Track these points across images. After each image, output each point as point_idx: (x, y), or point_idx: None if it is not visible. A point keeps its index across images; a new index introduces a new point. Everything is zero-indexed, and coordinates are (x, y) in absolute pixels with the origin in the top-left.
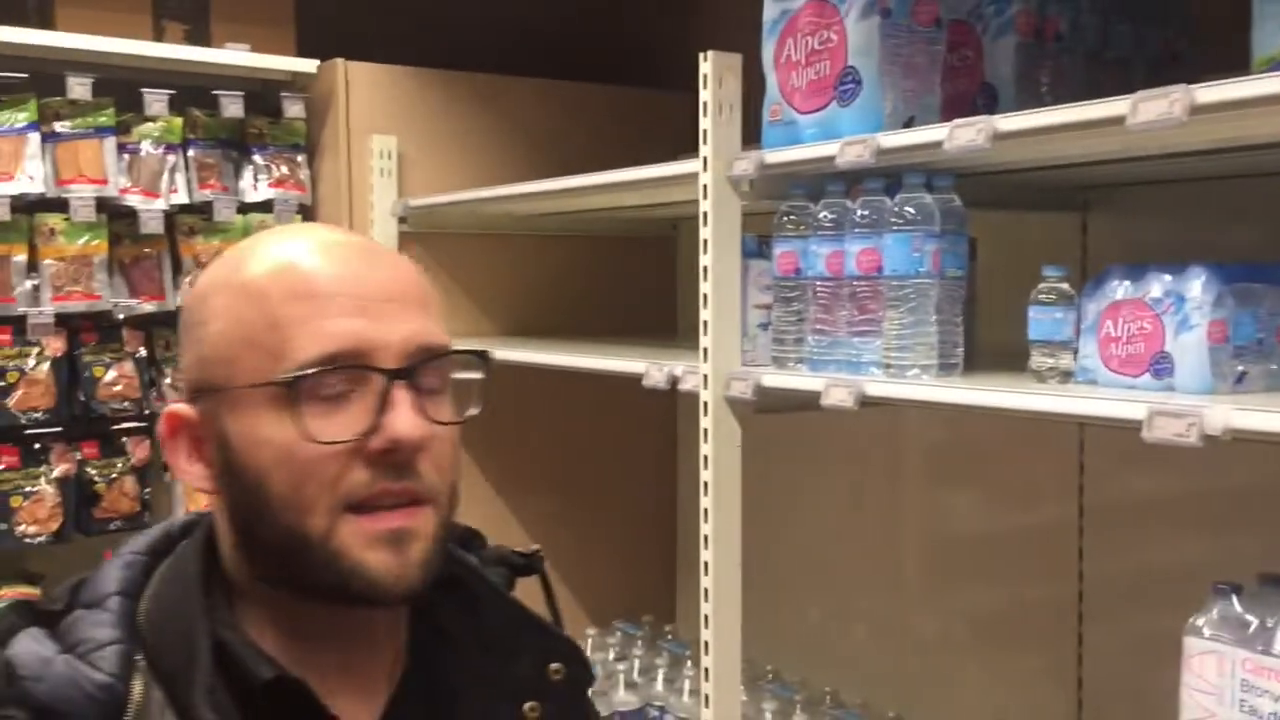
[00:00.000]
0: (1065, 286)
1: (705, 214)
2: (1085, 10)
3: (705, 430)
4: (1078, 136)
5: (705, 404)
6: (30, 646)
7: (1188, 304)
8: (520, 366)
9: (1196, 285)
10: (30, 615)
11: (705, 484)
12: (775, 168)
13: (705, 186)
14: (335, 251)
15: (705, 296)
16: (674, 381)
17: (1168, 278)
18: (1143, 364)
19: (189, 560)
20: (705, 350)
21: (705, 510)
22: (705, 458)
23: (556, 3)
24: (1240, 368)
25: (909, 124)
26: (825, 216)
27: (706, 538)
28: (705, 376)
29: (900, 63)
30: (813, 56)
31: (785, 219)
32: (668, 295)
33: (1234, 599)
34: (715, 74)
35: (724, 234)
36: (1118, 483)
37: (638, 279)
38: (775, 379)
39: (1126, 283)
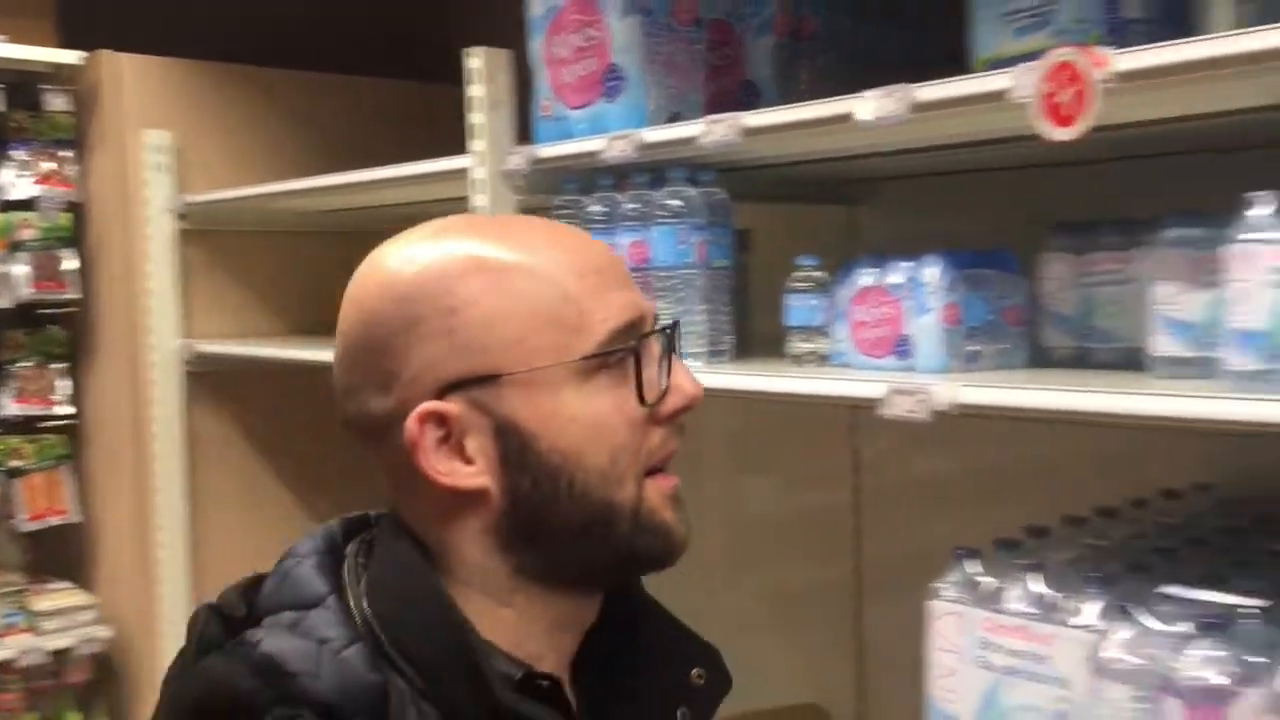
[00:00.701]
0: (819, 275)
1: (478, 209)
2: (843, 12)
3: None
4: (822, 132)
5: None
6: (292, 642)
7: (924, 289)
8: (311, 366)
9: (931, 272)
10: (222, 620)
11: None
12: (547, 162)
13: (476, 181)
14: (565, 230)
15: None
16: None
17: (907, 265)
18: (888, 346)
19: (411, 562)
20: None
21: None
22: None
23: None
24: (974, 347)
25: (674, 119)
26: (596, 210)
27: None
28: None
29: (662, 60)
30: (579, 53)
31: (558, 213)
32: None
33: (972, 563)
34: (486, 70)
35: None
36: (890, 463)
37: None
38: None
39: (872, 271)
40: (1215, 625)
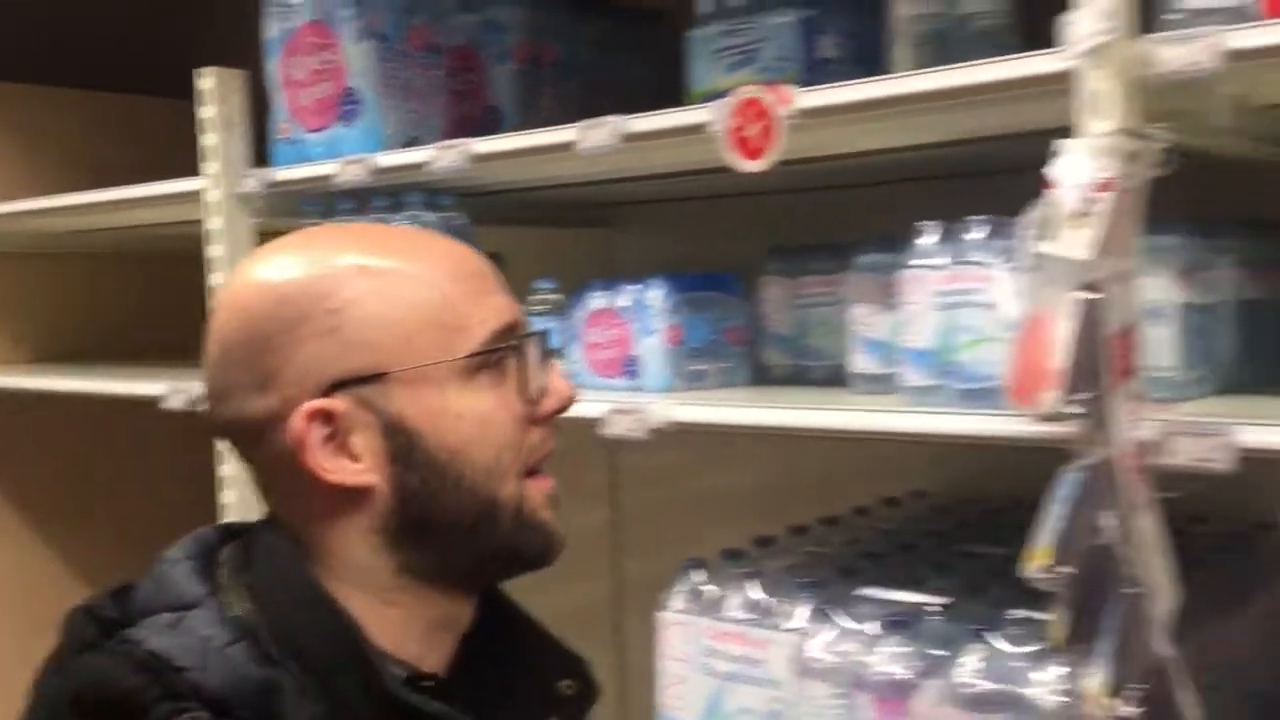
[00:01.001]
0: (555, 298)
1: (212, 231)
2: (586, 43)
3: (221, 452)
4: (547, 159)
5: None
6: (176, 640)
7: (649, 311)
8: (40, 395)
9: (655, 295)
10: (98, 622)
11: (222, 507)
12: (284, 185)
13: (210, 204)
14: (442, 239)
15: None
16: (194, 403)
17: (635, 288)
18: (618, 367)
19: (292, 562)
20: None
21: None
22: (222, 479)
23: (85, 11)
24: (698, 367)
25: (412, 144)
26: None
27: None
28: None
29: (399, 85)
30: (315, 76)
31: None
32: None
33: (698, 574)
34: (219, 90)
35: (236, 251)
36: (649, 480)
37: (177, 298)
38: None
39: (603, 294)
40: (901, 623)
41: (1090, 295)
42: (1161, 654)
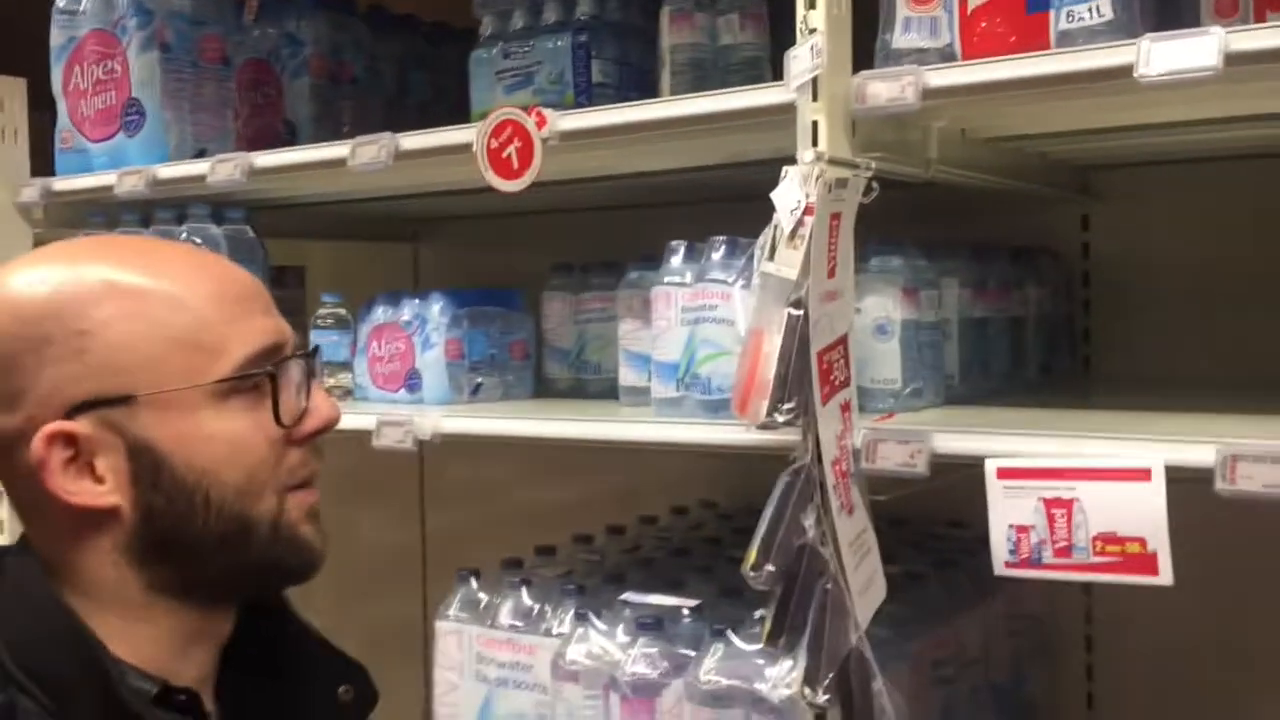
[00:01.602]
0: (341, 312)
1: None
2: (383, 59)
3: None
4: (322, 174)
5: None
6: None
7: (429, 325)
8: None
9: (435, 309)
10: None
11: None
12: (64, 196)
13: None
14: (208, 257)
15: None
16: None
17: (416, 302)
18: (399, 380)
19: (35, 581)
20: None
21: None
22: None
23: None
24: (478, 380)
25: (201, 155)
26: None
27: None
28: None
29: (187, 96)
30: (99, 85)
31: None
32: None
33: (472, 582)
34: None
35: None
36: (457, 497)
37: None
38: None
39: (386, 308)
40: (652, 625)
41: (796, 311)
42: (855, 647)
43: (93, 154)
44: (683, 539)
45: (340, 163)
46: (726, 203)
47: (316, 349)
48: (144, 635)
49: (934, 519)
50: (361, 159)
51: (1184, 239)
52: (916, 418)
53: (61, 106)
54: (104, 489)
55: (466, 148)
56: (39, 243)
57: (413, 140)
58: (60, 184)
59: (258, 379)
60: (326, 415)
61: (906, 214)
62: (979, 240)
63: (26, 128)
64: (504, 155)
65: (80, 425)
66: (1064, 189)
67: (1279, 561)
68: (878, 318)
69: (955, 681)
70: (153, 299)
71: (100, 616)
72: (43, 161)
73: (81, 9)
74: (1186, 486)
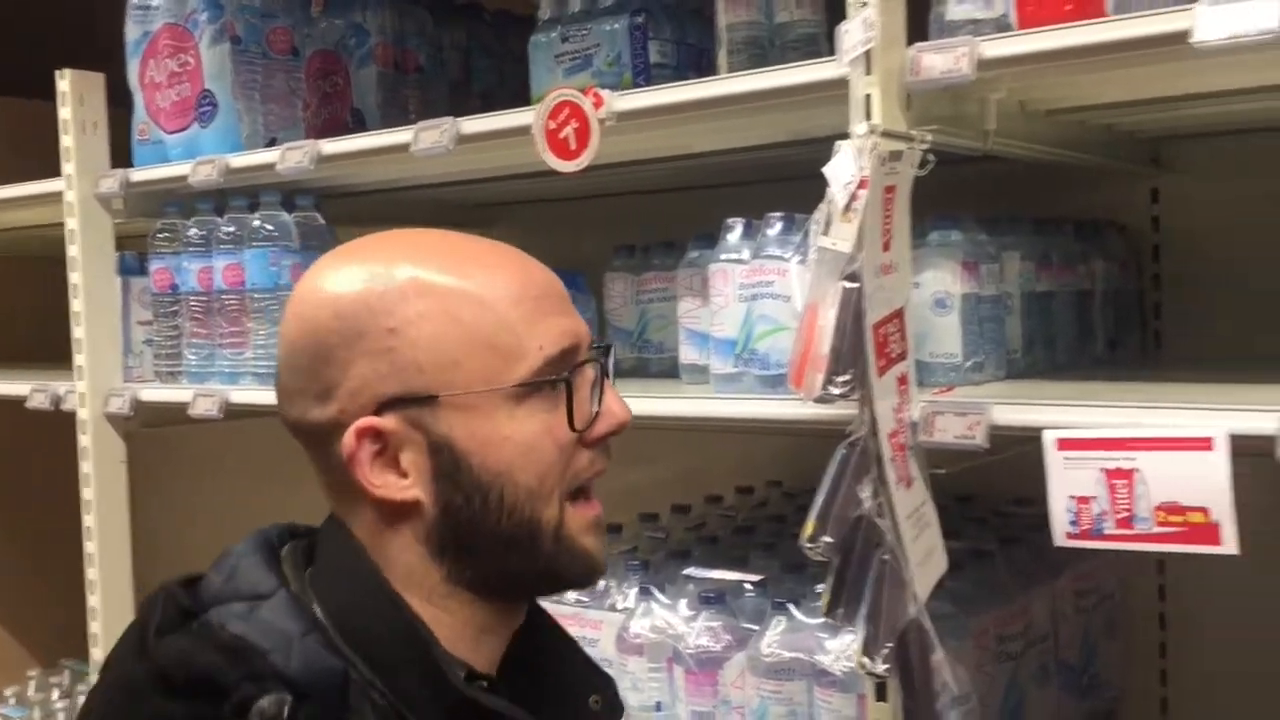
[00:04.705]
0: None
1: (72, 231)
2: (447, 47)
3: (85, 448)
4: (388, 160)
5: (84, 422)
6: (255, 627)
7: None
8: None
9: None
10: (176, 607)
11: (88, 502)
12: (142, 186)
13: (70, 204)
14: (509, 253)
15: (77, 314)
16: (57, 402)
17: None
18: None
19: (359, 560)
20: (80, 368)
21: (88, 528)
22: (86, 475)
23: None
24: None
25: (272, 145)
26: (194, 233)
27: (92, 556)
28: (82, 394)
29: (258, 87)
30: (173, 78)
31: (159, 236)
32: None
33: None
34: (76, 92)
35: (95, 251)
36: None
37: (40, 299)
38: (152, 393)
39: None
40: (713, 600)
41: (850, 284)
42: (914, 618)
43: (168, 145)
44: (747, 517)
45: (404, 148)
46: (785, 181)
47: (609, 347)
48: (444, 622)
49: (1000, 496)
50: (424, 143)
51: (1258, 211)
52: (976, 391)
53: (138, 99)
54: (407, 483)
55: (525, 130)
56: (119, 232)
57: (473, 124)
58: (138, 174)
59: (554, 382)
60: (619, 417)
61: (970, 191)
62: (1044, 216)
63: (106, 121)
64: (561, 136)
65: (388, 421)
66: (1132, 161)
67: None
68: (936, 291)
69: (1021, 657)
70: (455, 298)
71: (408, 601)
72: (121, 155)
73: (155, 4)
74: (1271, 465)
